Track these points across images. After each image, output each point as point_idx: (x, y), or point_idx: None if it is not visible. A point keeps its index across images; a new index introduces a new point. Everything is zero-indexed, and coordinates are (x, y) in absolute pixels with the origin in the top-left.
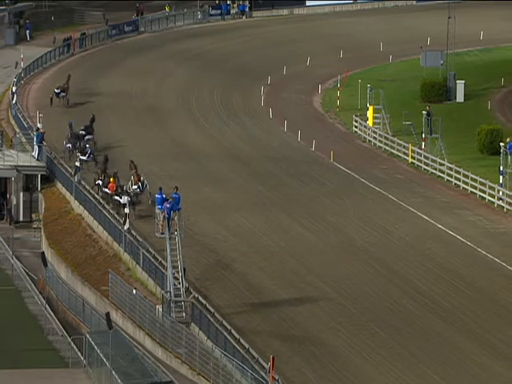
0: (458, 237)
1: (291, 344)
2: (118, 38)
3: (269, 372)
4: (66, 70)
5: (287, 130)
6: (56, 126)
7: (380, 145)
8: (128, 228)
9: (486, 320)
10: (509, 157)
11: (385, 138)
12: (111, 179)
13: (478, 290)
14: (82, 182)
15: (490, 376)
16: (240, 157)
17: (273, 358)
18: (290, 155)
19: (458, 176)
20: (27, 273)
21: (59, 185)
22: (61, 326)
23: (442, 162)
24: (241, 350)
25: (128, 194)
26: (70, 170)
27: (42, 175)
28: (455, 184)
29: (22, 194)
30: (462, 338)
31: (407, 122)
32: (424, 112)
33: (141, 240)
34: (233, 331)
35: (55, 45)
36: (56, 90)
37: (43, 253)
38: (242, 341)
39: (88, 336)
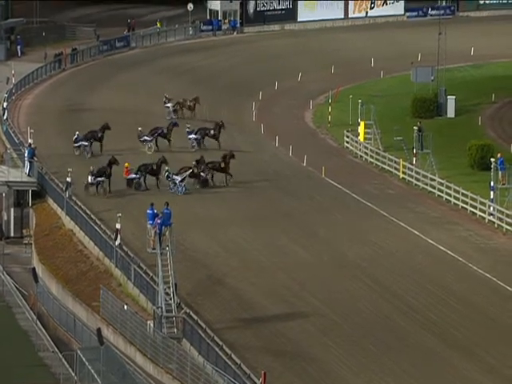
0: (449, 252)
1: (283, 359)
2: (110, 54)
3: None
4: (58, 86)
5: (279, 145)
6: (47, 142)
7: (371, 160)
8: (119, 243)
9: (477, 335)
10: (499, 172)
11: (376, 153)
12: (126, 164)
13: (469, 305)
14: (73, 198)
15: None
16: (231, 172)
17: (264, 374)
18: (281, 170)
19: (448, 191)
20: (18, 288)
21: (50, 200)
22: (52, 342)
23: (432, 177)
24: (232, 366)
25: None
26: (61, 185)
27: (33, 191)
28: (446, 199)
29: (12, 209)
30: (454, 354)
31: (398, 138)
32: (415, 127)
33: (132, 255)
34: (224, 347)
35: (46, 60)
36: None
37: (34, 268)
38: (233, 356)
39: (79, 352)
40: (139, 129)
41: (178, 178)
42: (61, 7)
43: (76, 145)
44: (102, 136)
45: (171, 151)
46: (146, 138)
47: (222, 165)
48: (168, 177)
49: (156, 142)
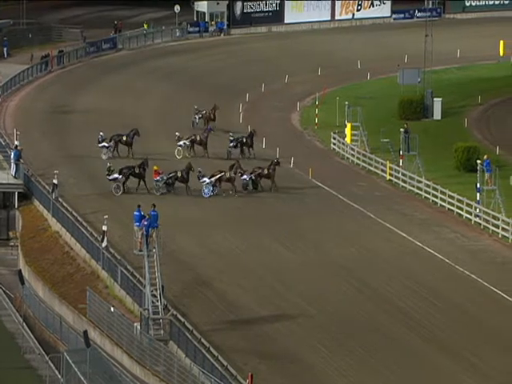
0: (436, 253)
1: (270, 361)
2: (96, 55)
3: None
4: (44, 88)
5: (266, 147)
6: (33, 144)
7: (358, 162)
8: (106, 245)
9: (463, 336)
10: (486, 174)
11: (363, 155)
12: (155, 167)
13: (455, 306)
14: (60, 200)
15: None
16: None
17: (251, 376)
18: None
19: (435, 193)
20: (4, 291)
21: (37, 202)
22: (38, 345)
23: (419, 179)
24: (219, 368)
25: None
26: (47, 187)
27: (19, 193)
28: (433, 201)
29: None
30: (440, 355)
31: (385, 140)
32: (402, 129)
33: (119, 257)
34: (211, 348)
35: (33, 62)
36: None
37: (20, 271)
38: (220, 358)
39: (65, 354)
40: (177, 134)
41: (206, 180)
42: (47, 9)
43: (100, 145)
44: (132, 140)
45: (208, 157)
46: (182, 142)
47: (266, 171)
48: (198, 178)
49: (192, 148)
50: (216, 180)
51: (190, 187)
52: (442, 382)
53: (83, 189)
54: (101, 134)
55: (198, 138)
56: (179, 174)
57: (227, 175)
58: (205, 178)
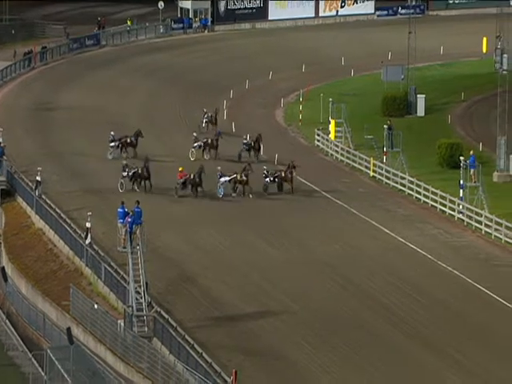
0: (419, 250)
1: (254, 358)
2: (80, 52)
3: None
4: (27, 84)
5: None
6: (16, 141)
7: (342, 158)
8: (89, 242)
9: (446, 333)
10: (471, 170)
11: (346, 151)
12: (180, 168)
13: (438, 302)
14: (43, 197)
15: None
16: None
17: (235, 372)
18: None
19: (418, 190)
20: None
21: (20, 199)
22: (21, 342)
23: (403, 175)
24: (203, 365)
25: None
26: (30, 184)
27: (2, 190)
28: (416, 198)
29: None
30: (423, 351)
31: (368, 136)
32: (385, 126)
33: (102, 254)
34: (195, 345)
35: (16, 58)
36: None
37: (3, 268)
38: (204, 355)
39: (49, 351)
40: (194, 134)
41: (225, 179)
42: (30, 5)
43: (111, 145)
44: (136, 142)
45: (219, 159)
46: (196, 144)
47: (283, 174)
48: (219, 177)
49: (204, 150)
50: (232, 181)
51: (203, 189)
52: (425, 378)
53: (67, 186)
54: (112, 133)
55: (210, 141)
56: (191, 177)
57: (238, 177)
58: (225, 178)
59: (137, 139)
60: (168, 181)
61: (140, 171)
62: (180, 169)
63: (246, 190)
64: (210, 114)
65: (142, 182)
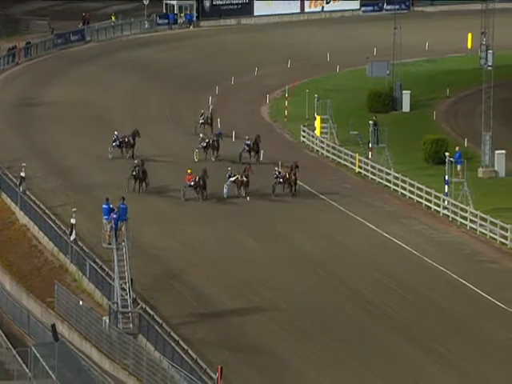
0: (405, 246)
1: (240, 354)
2: (64, 48)
3: (217, 382)
4: (11, 80)
5: (235, 140)
6: (0, 137)
7: (327, 154)
8: (74, 238)
9: (432, 329)
10: (458, 166)
11: (332, 147)
12: (188, 171)
13: (424, 298)
14: (27, 193)
15: (433, 383)
16: (189, 167)
17: (221, 369)
18: (238, 165)
19: (404, 185)
20: None
21: (4, 195)
22: (5, 338)
23: (388, 171)
24: (189, 361)
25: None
26: (14, 180)
27: None
28: (401, 193)
29: None
30: (408, 347)
31: (354, 132)
32: (371, 122)
33: (87, 251)
34: (181, 342)
35: None
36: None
37: None
38: (190, 351)
39: (33, 348)
40: (200, 135)
41: (230, 180)
42: (14, 0)
43: (114, 144)
44: (134, 142)
45: (220, 160)
46: (200, 145)
47: (287, 175)
48: (229, 176)
49: (206, 151)
50: (234, 182)
51: (206, 193)
52: (411, 373)
53: (51, 182)
54: (115, 133)
55: (211, 142)
56: (197, 180)
57: (239, 178)
58: (232, 178)
59: (134, 139)
60: (154, 178)
61: (136, 172)
62: (188, 171)
63: (246, 191)
64: (206, 115)
65: (138, 183)
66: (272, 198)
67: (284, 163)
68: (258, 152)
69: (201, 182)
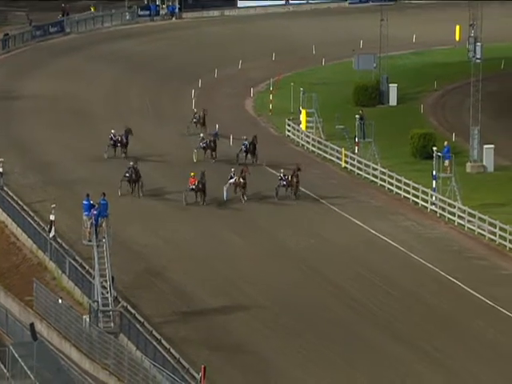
0: (391, 242)
1: (223, 353)
2: (43, 39)
3: (200, 382)
4: None
5: (219, 134)
6: None
7: (313, 149)
8: (53, 235)
9: (418, 326)
10: (446, 161)
11: (318, 142)
12: (192, 173)
13: (411, 295)
14: (5, 189)
15: (420, 381)
16: (171, 162)
17: (204, 368)
18: (221, 160)
19: (391, 181)
20: None
21: None
22: None
23: (375, 166)
24: (171, 360)
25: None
26: None
27: None
28: (388, 189)
29: None
30: (395, 344)
31: (340, 126)
32: (357, 116)
33: (67, 248)
34: (163, 341)
35: None
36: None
37: None
38: (172, 351)
39: (11, 348)
40: (201, 135)
41: (230, 182)
42: None
43: (111, 143)
44: (127, 140)
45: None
46: (200, 145)
47: (290, 178)
48: (231, 177)
49: (205, 152)
50: (233, 184)
51: (205, 196)
52: (398, 371)
53: (30, 177)
54: (112, 131)
55: (208, 142)
56: (197, 183)
57: (237, 180)
58: (231, 180)
59: (127, 137)
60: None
61: (129, 174)
62: (192, 174)
63: (243, 193)
64: (199, 115)
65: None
66: (276, 200)
67: (269, 158)
68: (254, 153)
69: (200, 186)
